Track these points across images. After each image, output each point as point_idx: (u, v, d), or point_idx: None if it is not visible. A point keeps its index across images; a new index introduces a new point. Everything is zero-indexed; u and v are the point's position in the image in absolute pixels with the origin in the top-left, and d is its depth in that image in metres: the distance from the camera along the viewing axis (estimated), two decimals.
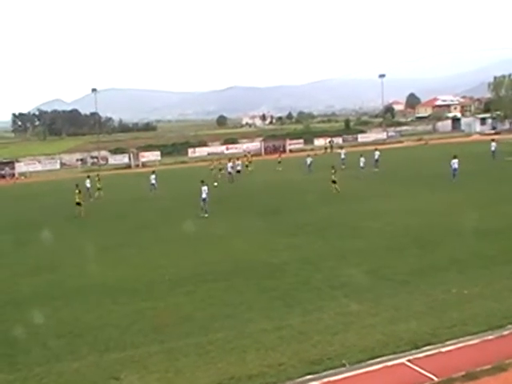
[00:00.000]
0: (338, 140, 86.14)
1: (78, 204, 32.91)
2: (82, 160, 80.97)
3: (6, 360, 12.30)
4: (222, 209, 31.63)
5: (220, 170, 48.36)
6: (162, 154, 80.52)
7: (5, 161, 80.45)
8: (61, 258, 22.11)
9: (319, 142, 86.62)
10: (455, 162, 35.89)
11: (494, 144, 48.34)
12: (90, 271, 19.59)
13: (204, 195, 29.75)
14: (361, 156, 45.76)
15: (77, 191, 33.17)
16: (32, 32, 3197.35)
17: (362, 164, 45.12)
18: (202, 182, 30.32)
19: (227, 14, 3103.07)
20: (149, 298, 16.07)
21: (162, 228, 27.36)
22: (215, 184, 41.56)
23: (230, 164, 48.08)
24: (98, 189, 40.96)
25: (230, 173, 46.72)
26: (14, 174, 73.53)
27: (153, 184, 41.85)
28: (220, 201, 33.78)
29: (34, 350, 12.77)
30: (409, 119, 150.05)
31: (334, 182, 34.85)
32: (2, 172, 73.56)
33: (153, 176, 42.04)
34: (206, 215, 29.15)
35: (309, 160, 48.98)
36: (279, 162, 54.91)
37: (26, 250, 24.56)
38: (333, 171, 35.18)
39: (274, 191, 38.71)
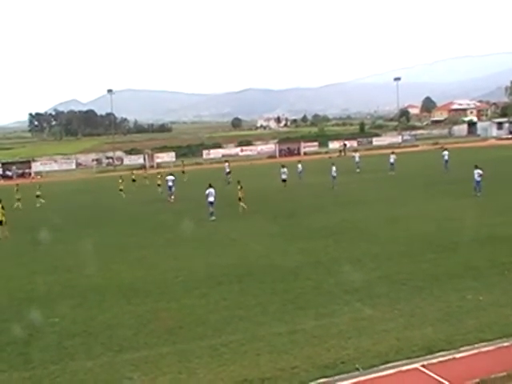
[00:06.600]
0: (353, 143, 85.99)
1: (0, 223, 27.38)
2: (97, 160, 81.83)
3: (21, 358, 12.44)
4: (234, 212, 31.66)
5: (134, 180, 49.10)
6: (177, 156, 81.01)
7: (21, 160, 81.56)
8: (76, 258, 22.28)
9: (334, 144, 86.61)
10: (476, 173, 31.66)
11: (446, 153, 45.36)
12: (104, 271, 19.76)
13: (211, 198, 29.31)
14: (332, 164, 41.44)
15: None
16: (50, 32, 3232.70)
17: (333, 173, 41.04)
18: (210, 185, 29.96)
19: (243, 16, 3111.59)
20: (162, 299, 16.14)
21: (176, 230, 27.43)
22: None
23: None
24: (18, 199, 40.29)
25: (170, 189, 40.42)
26: (30, 174, 74.41)
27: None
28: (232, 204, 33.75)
29: (48, 348, 12.89)
30: (424, 123, 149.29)
31: (239, 199, 30.90)
32: (19, 171, 74.55)
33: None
34: (214, 218, 29.07)
35: (300, 167, 46.43)
36: (228, 173, 48.39)
37: (42, 250, 24.84)
38: (239, 187, 31.17)
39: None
